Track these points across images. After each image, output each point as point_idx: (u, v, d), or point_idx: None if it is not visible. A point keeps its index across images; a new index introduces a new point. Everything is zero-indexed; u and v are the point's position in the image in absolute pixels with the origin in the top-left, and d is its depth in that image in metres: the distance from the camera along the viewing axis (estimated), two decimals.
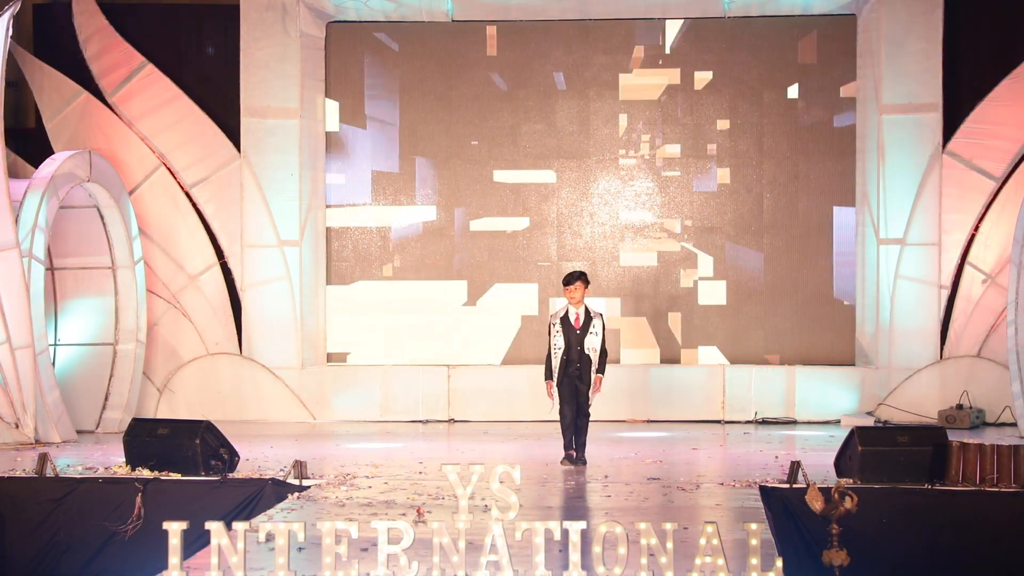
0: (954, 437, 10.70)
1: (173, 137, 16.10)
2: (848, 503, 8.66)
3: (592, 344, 11.70)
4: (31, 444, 13.35)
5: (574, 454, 11.76)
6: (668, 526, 6.89)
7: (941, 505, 9.99)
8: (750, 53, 16.31)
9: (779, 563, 6.90)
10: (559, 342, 11.71)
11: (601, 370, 11.78)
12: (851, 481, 10.34)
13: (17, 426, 13.47)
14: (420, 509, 9.07)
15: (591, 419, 11.97)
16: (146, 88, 16.03)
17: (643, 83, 16.42)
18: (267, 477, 10.72)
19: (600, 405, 12.44)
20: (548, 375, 11.81)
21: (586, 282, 11.81)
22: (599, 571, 6.88)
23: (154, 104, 16.05)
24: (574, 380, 11.73)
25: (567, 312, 11.79)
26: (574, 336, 11.71)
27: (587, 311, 11.78)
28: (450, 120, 16.54)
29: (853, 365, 16.01)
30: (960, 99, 15.63)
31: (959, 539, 9.87)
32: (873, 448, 10.40)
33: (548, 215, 16.54)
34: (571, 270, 12.27)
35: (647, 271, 16.45)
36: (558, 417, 11.87)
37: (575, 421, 11.75)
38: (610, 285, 16.35)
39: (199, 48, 16.52)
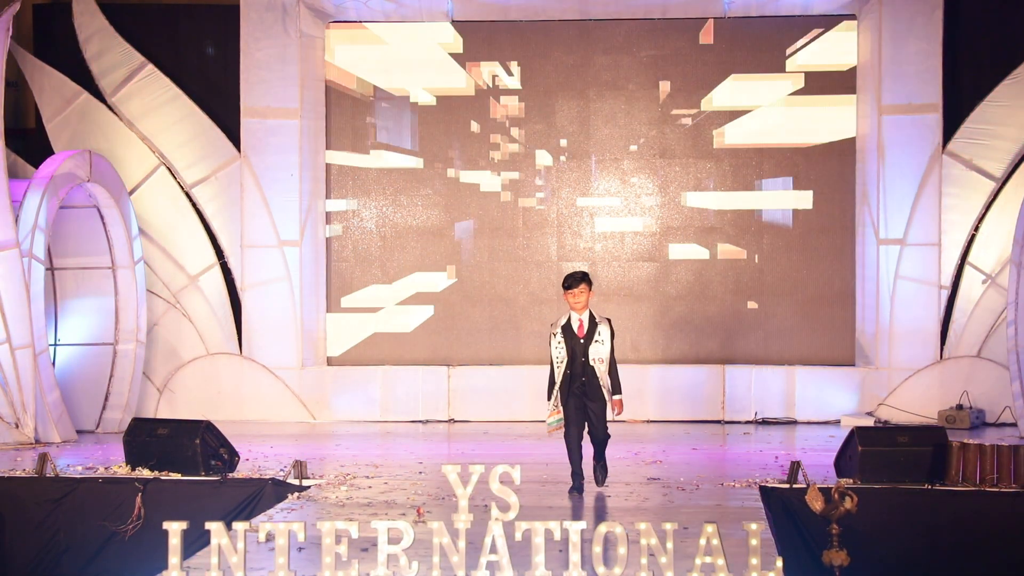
0: (954, 437, 10.71)
1: (173, 137, 16.09)
2: (848, 503, 8.68)
3: (598, 354, 10.07)
4: (31, 444, 13.35)
5: (583, 483, 10.29)
6: (668, 526, 6.89)
7: (941, 505, 10.00)
8: (749, 53, 16.29)
9: (779, 563, 6.90)
10: (560, 354, 10.13)
11: (617, 390, 10.18)
12: (851, 481, 10.35)
13: (17, 426, 13.47)
14: (420, 509, 9.07)
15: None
16: (146, 88, 16.03)
17: (643, 82, 16.41)
18: (267, 477, 10.73)
19: None
20: (551, 396, 10.21)
21: (590, 284, 10.20)
22: (599, 571, 6.88)
23: (154, 104, 16.04)
24: (580, 398, 10.13)
25: (569, 319, 10.21)
26: (578, 346, 10.09)
27: (592, 317, 10.17)
28: (449, 120, 16.52)
29: (853, 365, 16.00)
30: (960, 99, 15.62)
31: (959, 539, 9.89)
32: (873, 448, 10.40)
33: (548, 215, 16.54)
34: (571, 271, 10.66)
35: (647, 271, 16.43)
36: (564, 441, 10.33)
37: (592, 443, 10.28)
38: (610, 285, 16.34)
39: (199, 48, 16.49)
